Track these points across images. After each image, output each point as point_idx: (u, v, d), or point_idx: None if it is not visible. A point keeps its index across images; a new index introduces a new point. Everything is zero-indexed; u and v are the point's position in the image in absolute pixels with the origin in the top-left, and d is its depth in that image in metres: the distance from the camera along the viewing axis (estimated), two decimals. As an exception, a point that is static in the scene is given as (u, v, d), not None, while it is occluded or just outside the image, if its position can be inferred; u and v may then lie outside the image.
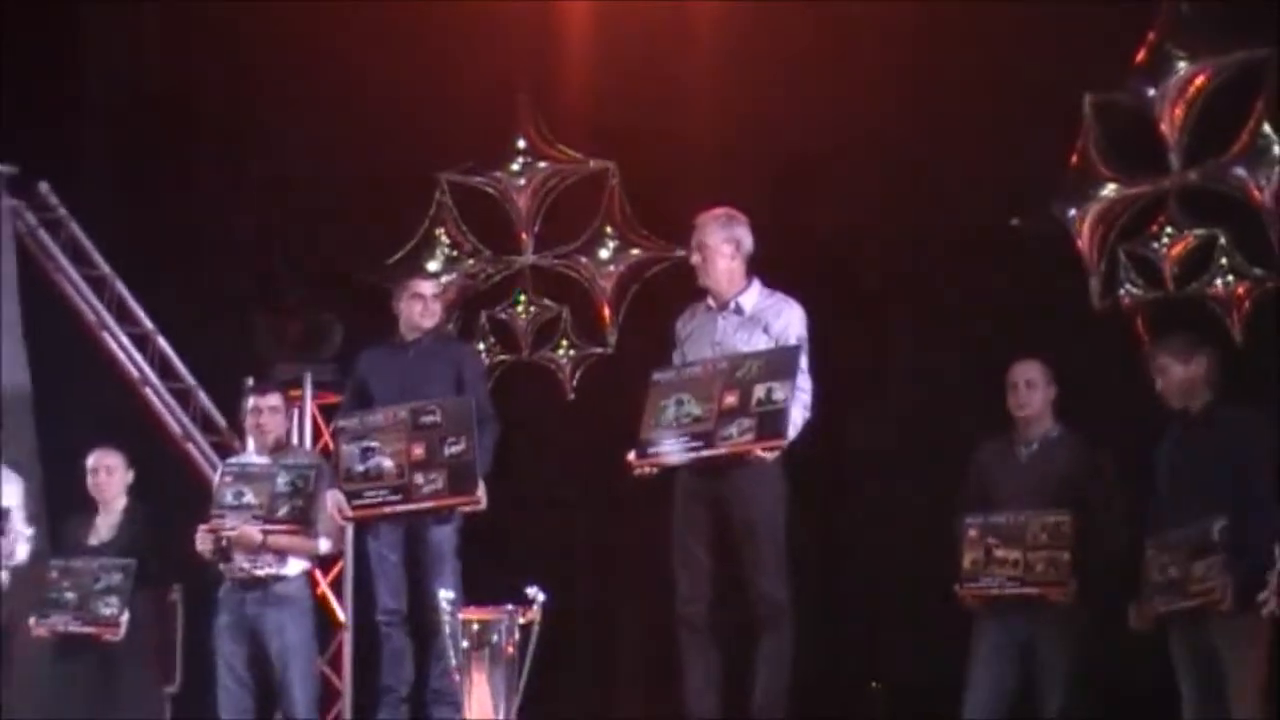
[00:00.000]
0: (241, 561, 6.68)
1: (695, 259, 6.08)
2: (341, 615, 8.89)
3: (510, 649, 5.42)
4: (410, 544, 6.44)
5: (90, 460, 7.10)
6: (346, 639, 8.87)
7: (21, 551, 7.25)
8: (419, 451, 6.28)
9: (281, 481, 6.67)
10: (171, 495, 7.53)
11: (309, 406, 8.98)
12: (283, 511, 6.63)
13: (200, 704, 7.11)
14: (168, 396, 9.03)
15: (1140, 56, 7.41)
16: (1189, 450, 5.77)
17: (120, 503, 7.08)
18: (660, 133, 8.54)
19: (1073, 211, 7.57)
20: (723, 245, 6.02)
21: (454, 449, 6.25)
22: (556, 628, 5.59)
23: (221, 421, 9.00)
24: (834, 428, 6.50)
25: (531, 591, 5.43)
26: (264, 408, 6.90)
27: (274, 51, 8.73)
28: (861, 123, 7.96)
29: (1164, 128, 7.35)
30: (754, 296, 6.04)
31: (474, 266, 9.03)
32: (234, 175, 8.92)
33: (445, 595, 5.61)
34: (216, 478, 6.98)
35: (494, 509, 6.37)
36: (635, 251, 8.80)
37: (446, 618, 5.50)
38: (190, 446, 8.94)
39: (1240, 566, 5.43)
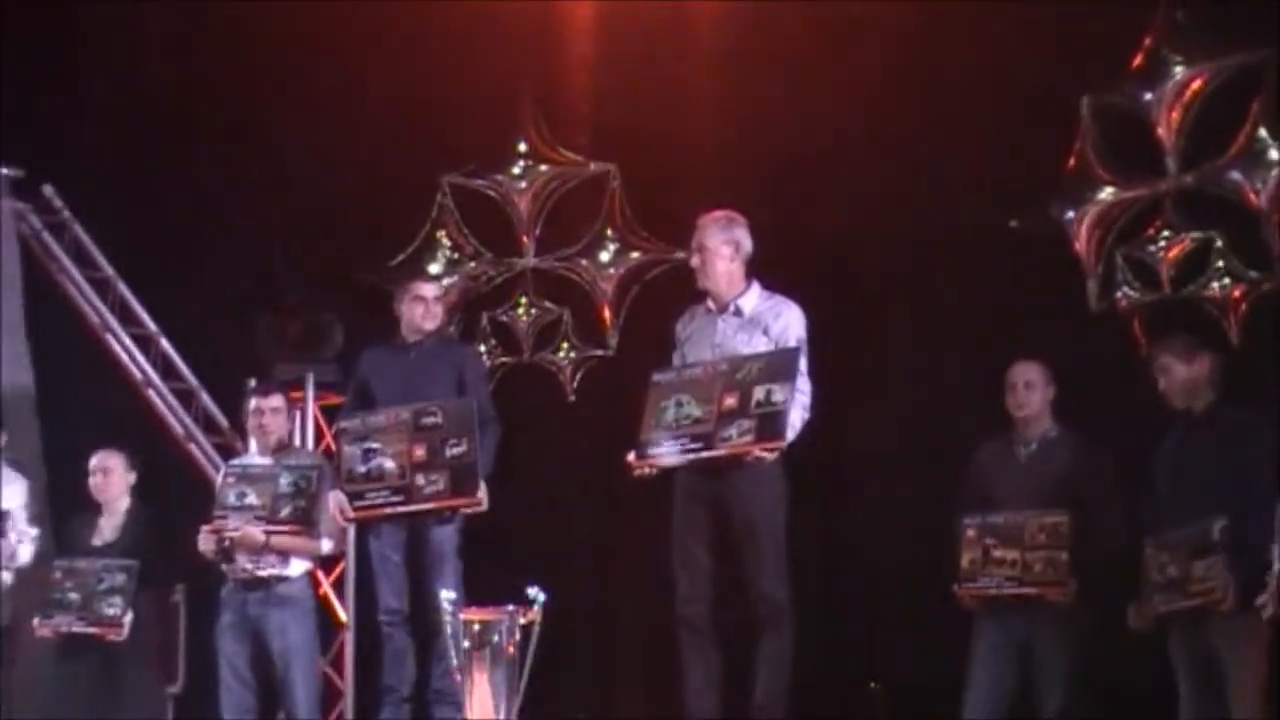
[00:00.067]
0: (244, 562, 6.69)
1: (695, 261, 6.10)
2: (343, 615, 8.91)
3: (511, 649, 5.43)
4: (412, 544, 6.47)
5: (92, 461, 7.13)
6: (348, 639, 8.88)
7: (25, 552, 7.28)
8: (420, 453, 6.31)
9: (284, 482, 6.68)
10: (174, 496, 7.56)
11: (311, 407, 9.00)
12: (285, 512, 6.64)
13: (203, 704, 7.12)
14: (170, 397, 9.06)
15: (1137, 61, 7.42)
16: (1190, 451, 5.78)
17: (123, 503, 7.09)
18: (661, 134, 8.55)
19: (1070, 214, 7.58)
20: (722, 247, 6.04)
21: (455, 450, 6.27)
22: (557, 628, 5.60)
23: (224, 422, 9.03)
24: (834, 428, 6.50)
25: (532, 592, 5.43)
26: (266, 409, 6.92)
27: (276, 55, 8.73)
28: (861, 123, 7.98)
29: (1161, 131, 7.37)
30: (753, 298, 6.06)
31: (475, 269, 9.05)
32: (236, 177, 8.90)
33: (446, 595, 5.62)
34: (219, 478, 7.00)
35: (495, 510, 6.39)
36: (635, 254, 8.81)
37: (448, 618, 5.51)
38: (193, 447, 8.97)
39: (1241, 566, 5.44)
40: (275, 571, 6.69)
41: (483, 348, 8.82)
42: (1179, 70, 7.30)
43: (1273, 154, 7.09)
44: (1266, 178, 7.09)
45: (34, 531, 7.36)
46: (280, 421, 6.97)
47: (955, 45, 7.79)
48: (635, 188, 8.84)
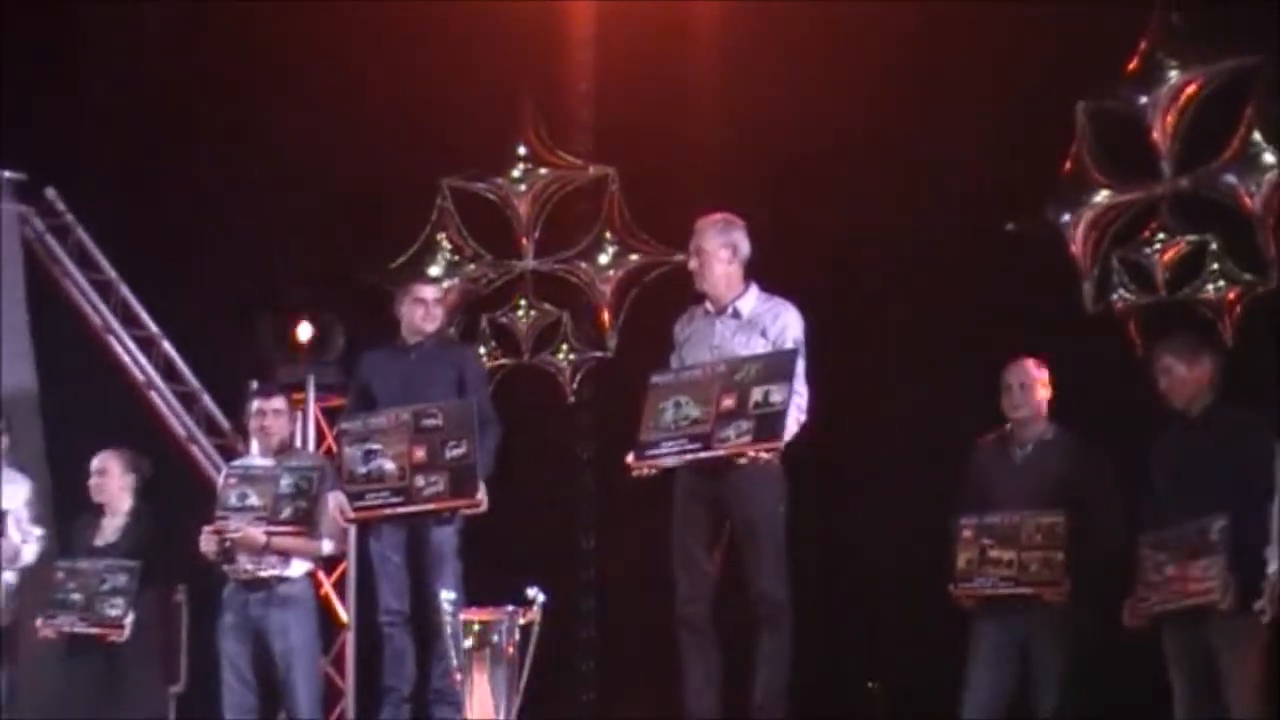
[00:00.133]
0: (245, 562, 6.70)
1: (693, 264, 6.11)
2: (344, 616, 8.94)
3: (511, 649, 5.42)
4: (412, 545, 6.48)
5: (92, 463, 7.16)
6: (349, 639, 8.91)
7: (30, 552, 7.31)
8: (421, 454, 6.31)
9: (285, 483, 6.69)
10: (176, 497, 7.56)
11: (312, 409, 9.03)
12: (286, 513, 6.65)
13: (205, 703, 7.13)
14: (172, 399, 9.08)
15: (1132, 65, 7.45)
16: (1189, 451, 5.79)
17: (125, 504, 7.10)
18: (660, 135, 8.57)
19: (1066, 217, 7.60)
20: (720, 250, 6.05)
21: (455, 451, 6.28)
22: (557, 628, 5.64)
23: (225, 424, 9.06)
24: (834, 428, 6.51)
25: (532, 592, 5.43)
26: (268, 410, 6.92)
27: (277, 57, 8.74)
28: (861, 123, 7.99)
29: (1156, 135, 7.39)
30: (751, 300, 6.07)
31: (475, 271, 9.08)
32: (237, 179, 8.93)
33: (446, 596, 5.62)
34: (221, 479, 7.01)
35: (495, 511, 6.40)
36: (634, 256, 8.84)
37: (448, 618, 5.51)
38: (195, 448, 9.00)
39: (1241, 566, 5.45)
40: (276, 572, 6.70)
41: (483, 349, 8.84)
42: (1174, 74, 7.32)
43: (1267, 157, 7.11)
44: (1261, 181, 7.11)
45: (38, 531, 7.37)
46: (282, 423, 6.97)
47: (955, 46, 7.81)
48: (634, 190, 8.87)
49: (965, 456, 6.43)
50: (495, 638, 5.43)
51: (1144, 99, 7.40)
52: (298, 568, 6.77)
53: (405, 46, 8.77)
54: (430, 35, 8.68)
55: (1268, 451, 5.50)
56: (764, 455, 5.78)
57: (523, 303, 9.04)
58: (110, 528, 7.09)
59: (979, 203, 7.80)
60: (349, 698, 8.86)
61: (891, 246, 8.18)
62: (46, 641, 6.96)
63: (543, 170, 8.95)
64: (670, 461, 5.88)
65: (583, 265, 8.92)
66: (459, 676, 5.50)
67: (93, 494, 7.12)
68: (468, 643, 5.45)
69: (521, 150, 8.94)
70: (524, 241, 9.04)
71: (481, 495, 6.33)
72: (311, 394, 9.01)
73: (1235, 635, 5.53)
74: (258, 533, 6.65)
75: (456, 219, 9.03)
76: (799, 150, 8.19)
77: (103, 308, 9.07)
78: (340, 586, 8.92)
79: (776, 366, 5.81)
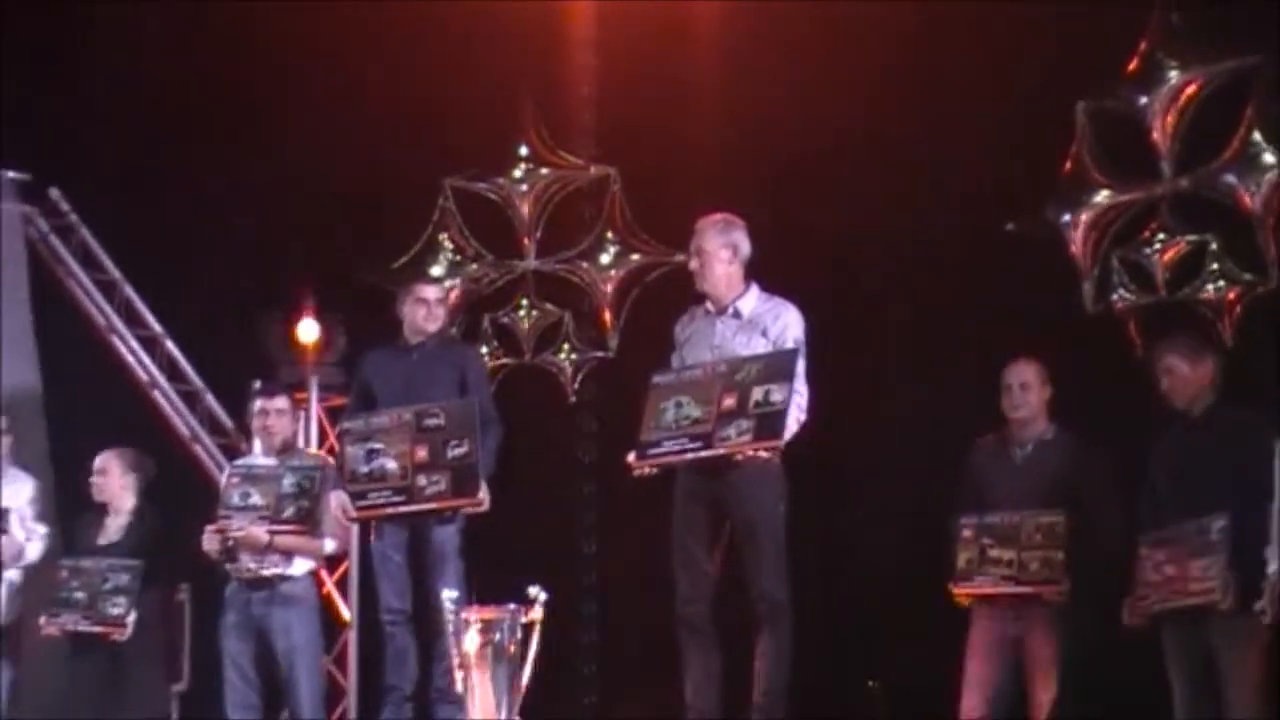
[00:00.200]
0: (248, 561, 6.71)
1: (693, 264, 6.11)
2: (346, 614, 8.96)
3: (512, 648, 5.44)
4: (414, 544, 6.48)
5: (95, 463, 7.18)
6: (351, 638, 8.94)
7: (34, 549, 7.33)
8: (422, 453, 6.31)
9: (287, 483, 6.71)
10: (179, 496, 7.57)
11: (314, 409, 9.06)
12: (288, 512, 6.67)
13: (208, 702, 7.14)
14: (176, 399, 9.11)
15: (1132, 65, 7.46)
16: (1190, 451, 5.79)
17: (129, 503, 7.12)
18: (662, 135, 8.59)
19: (1066, 217, 7.62)
20: (720, 250, 6.05)
21: (457, 451, 6.28)
22: (558, 627, 5.65)
23: (229, 423, 9.08)
24: (834, 428, 6.52)
25: (533, 591, 5.45)
26: (271, 410, 6.93)
27: (279, 58, 8.75)
28: (861, 123, 8.01)
29: (1156, 135, 7.41)
30: (752, 300, 6.08)
31: (477, 271, 9.10)
32: (239, 180, 8.94)
33: (448, 595, 5.64)
34: (223, 479, 7.02)
35: (496, 510, 6.41)
36: (636, 256, 8.87)
37: (450, 617, 5.53)
38: (198, 448, 9.02)
39: (1241, 566, 5.45)
40: (279, 571, 6.71)
41: (484, 349, 8.87)
42: (1174, 74, 7.33)
43: (1267, 158, 7.12)
44: (1260, 181, 7.12)
45: (42, 529, 7.40)
46: (285, 422, 6.99)
47: (955, 46, 7.82)
48: (635, 190, 8.88)
49: (965, 456, 6.43)
50: (497, 636, 5.45)
51: (1144, 99, 7.42)
52: (300, 567, 6.78)
53: (406, 47, 8.79)
54: (431, 35, 8.69)
55: (1268, 452, 5.49)
56: (763, 454, 5.78)
57: (524, 303, 9.06)
58: (113, 527, 7.12)
59: (979, 203, 7.81)
60: (351, 696, 8.89)
61: (891, 246, 8.19)
62: (50, 639, 6.99)
63: (544, 170, 8.98)
64: (671, 460, 5.88)
65: (584, 265, 8.95)
66: (461, 675, 5.51)
67: (94, 494, 7.15)
68: (469, 642, 5.46)
69: (523, 150, 8.97)
70: (526, 241, 9.06)
71: (483, 495, 6.33)
72: (314, 393, 9.04)
73: (1235, 635, 5.53)
74: (260, 532, 6.66)
75: (458, 219, 9.05)
76: (799, 150, 8.21)
77: (106, 308, 9.10)
78: (342, 585, 8.94)
79: (777, 366, 5.81)
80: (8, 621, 7.30)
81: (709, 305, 6.13)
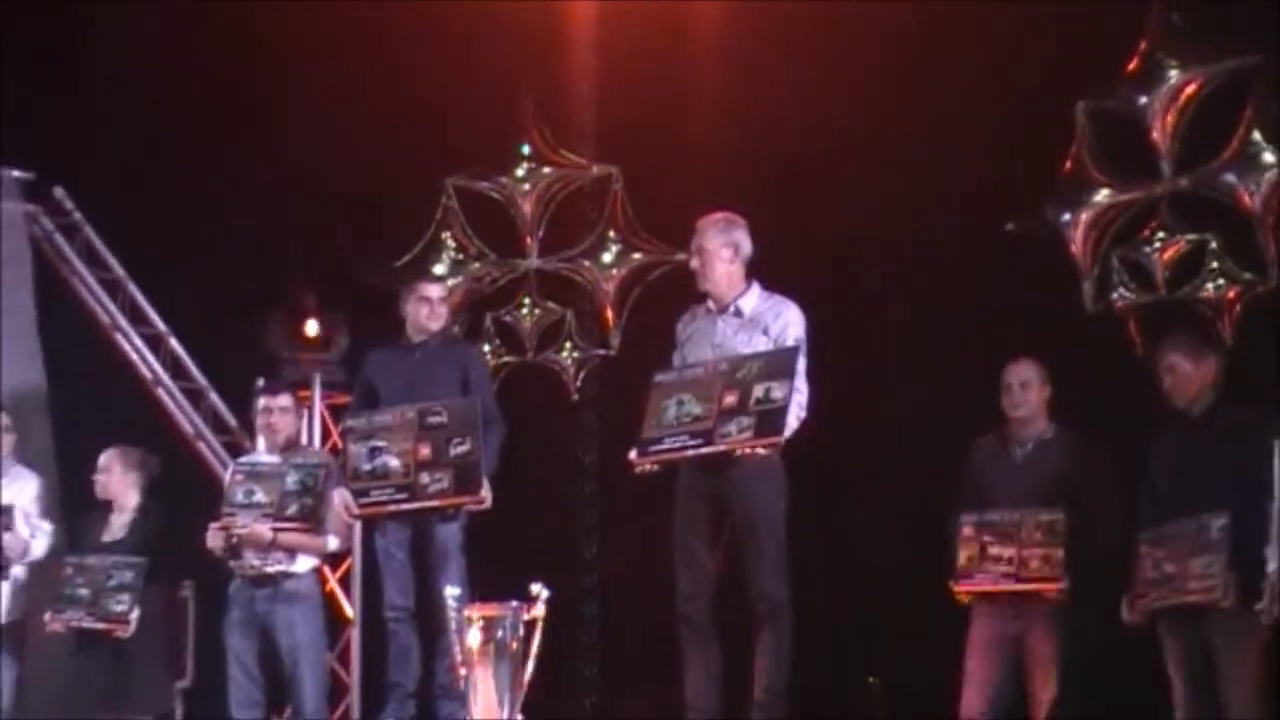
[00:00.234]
0: (251, 559, 6.73)
1: (694, 263, 6.12)
2: (350, 611, 8.98)
3: (515, 645, 5.44)
4: (417, 542, 6.51)
5: (99, 460, 7.21)
6: (354, 635, 8.95)
7: (39, 546, 7.36)
8: (425, 451, 6.34)
9: (291, 480, 6.73)
10: (183, 493, 7.59)
11: (318, 406, 9.08)
12: (292, 510, 6.69)
13: (211, 699, 7.16)
14: (180, 396, 9.13)
15: (1132, 65, 7.46)
16: (1191, 450, 5.80)
17: (133, 501, 7.15)
18: (663, 135, 8.60)
19: (1066, 216, 7.61)
20: (721, 249, 6.07)
21: (460, 449, 6.31)
22: (560, 624, 5.66)
23: (232, 421, 9.10)
24: (834, 428, 6.53)
25: (535, 588, 5.46)
26: (274, 408, 6.96)
27: (279, 58, 8.76)
28: (862, 123, 8.01)
29: (1156, 135, 7.40)
30: (753, 299, 6.09)
31: (479, 270, 9.11)
32: (241, 179, 8.95)
33: (451, 592, 5.64)
34: (227, 476, 7.03)
35: (499, 507, 6.43)
36: (637, 255, 8.88)
37: (452, 614, 5.53)
38: (202, 445, 9.04)
39: (1242, 564, 5.47)
40: (282, 568, 6.73)
41: (487, 347, 8.88)
42: (1173, 74, 7.33)
43: (1266, 157, 7.12)
44: (1260, 180, 7.13)
45: (47, 527, 7.42)
46: (288, 420, 7.01)
47: (955, 46, 7.83)
48: (637, 189, 8.89)
49: (965, 456, 6.44)
50: (499, 633, 5.44)
51: (1144, 99, 7.42)
52: (303, 564, 6.79)
53: (407, 47, 8.80)
54: (432, 35, 8.70)
55: (1269, 451, 5.50)
56: (760, 450, 5.79)
57: (527, 301, 9.08)
58: (118, 524, 7.14)
59: (979, 203, 7.81)
60: (354, 693, 8.90)
61: (891, 246, 8.19)
62: (55, 636, 7.02)
63: (546, 170, 8.99)
64: (671, 457, 5.90)
65: (586, 264, 8.96)
66: (463, 672, 5.52)
67: (97, 491, 7.18)
68: (472, 638, 5.47)
69: (525, 150, 8.98)
70: (528, 240, 9.07)
71: (485, 492, 6.36)
72: (317, 391, 9.06)
73: (1235, 634, 5.55)
74: (264, 529, 6.68)
75: (461, 218, 9.06)
76: (800, 150, 8.21)
77: (110, 306, 9.12)
78: (346, 582, 8.96)
79: (778, 364, 5.82)
80: (13, 618, 7.31)
81: (710, 304, 6.15)
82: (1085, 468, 6.22)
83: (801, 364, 5.90)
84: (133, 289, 9.14)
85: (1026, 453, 6.31)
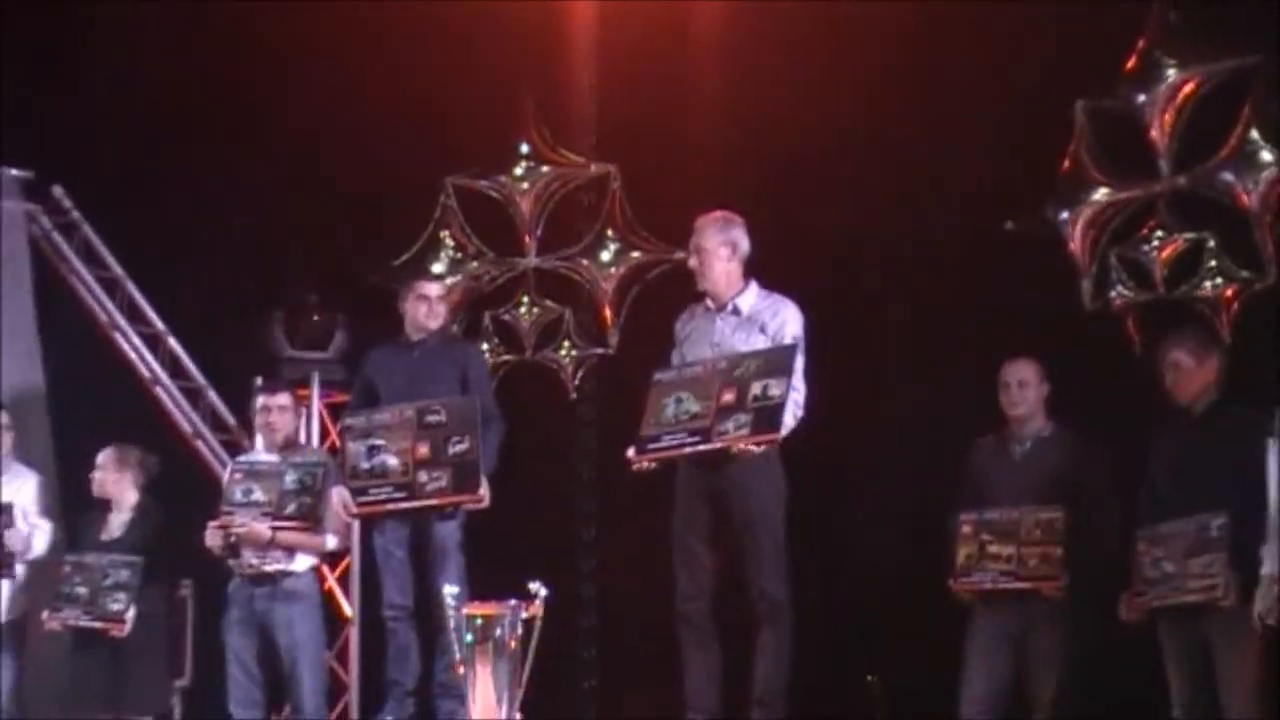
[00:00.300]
0: (250, 557, 6.74)
1: (693, 262, 6.14)
2: (348, 610, 8.97)
3: (513, 643, 5.44)
4: (415, 540, 6.51)
5: (97, 459, 7.21)
6: (353, 634, 8.95)
7: (40, 544, 7.36)
8: (424, 450, 6.35)
9: (289, 479, 6.74)
10: (182, 492, 7.59)
11: (316, 405, 9.08)
12: (290, 508, 6.70)
13: (210, 697, 7.19)
14: (178, 395, 9.12)
15: (1130, 64, 7.47)
16: (1191, 448, 5.81)
17: (131, 500, 7.16)
18: (662, 134, 8.60)
19: (1065, 215, 7.61)
20: (720, 248, 6.08)
21: (458, 447, 6.32)
22: (559, 623, 5.66)
23: (231, 420, 9.09)
24: (834, 428, 6.54)
25: (534, 586, 5.46)
26: (273, 406, 6.97)
27: (279, 58, 8.76)
28: (862, 123, 8.01)
29: (1154, 134, 7.40)
30: (751, 298, 6.11)
31: (478, 269, 9.11)
32: (242, 178, 8.96)
33: (450, 590, 5.65)
34: (226, 475, 7.04)
35: (497, 506, 6.44)
36: (636, 254, 8.87)
37: (451, 612, 5.54)
38: (200, 444, 9.03)
39: (1242, 563, 5.47)
40: (281, 567, 6.74)
41: (485, 346, 8.88)
42: (1172, 73, 7.33)
43: (1264, 155, 7.11)
44: (1258, 179, 7.12)
45: (46, 525, 7.42)
46: (287, 419, 7.02)
47: (955, 46, 7.83)
48: (636, 188, 8.89)
49: (965, 456, 6.46)
50: (498, 632, 5.45)
51: (1142, 97, 7.41)
52: (302, 563, 6.81)
53: (406, 47, 8.80)
54: (431, 35, 8.71)
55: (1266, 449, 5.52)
56: (754, 448, 5.78)
57: (525, 300, 9.07)
58: (116, 523, 7.15)
59: (979, 203, 7.82)
60: (353, 692, 8.90)
61: (891, 246, 8.19)
62: (53, 635, 7.03)
63: (545, 168, 8.99)
64: (669, 454, 5.90)
65: (585, 263, 8.96)
66: (462, 670, 5.53)
67: (95, 490, 7.19)
68: (470, 637, 5.47)
69: (524, 148, 8.98)
70: (526, 239, 9.07)
71: (484, 491, 6.37)
72: (316, 390, 9.05)
73: (1234, 632, 5.56)
74: (263, 528, 6.70)
75: (460, 217, 9.06)
76: (800, 149, 8.21)
77: (109, 304, 9.11)
78: (344, 581, 8.95)
79: (776, 361, 5.84)
80: (12, 617, 7.32)
81: (709, 302, 6.16)
82: (1084, 466, 6.24)
83: (799, 362, 5.90)
84: (131, 288, 9.13)
85: (1025, 451, 6.32)
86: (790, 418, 5.84)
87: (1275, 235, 7.17)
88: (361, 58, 8.76)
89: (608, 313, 8.92)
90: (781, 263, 6.37)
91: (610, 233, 8.90)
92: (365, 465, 6.45)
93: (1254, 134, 7.15)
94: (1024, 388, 6.32)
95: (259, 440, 7.19)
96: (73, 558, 7.06)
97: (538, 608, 5.47)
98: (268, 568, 6.75)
